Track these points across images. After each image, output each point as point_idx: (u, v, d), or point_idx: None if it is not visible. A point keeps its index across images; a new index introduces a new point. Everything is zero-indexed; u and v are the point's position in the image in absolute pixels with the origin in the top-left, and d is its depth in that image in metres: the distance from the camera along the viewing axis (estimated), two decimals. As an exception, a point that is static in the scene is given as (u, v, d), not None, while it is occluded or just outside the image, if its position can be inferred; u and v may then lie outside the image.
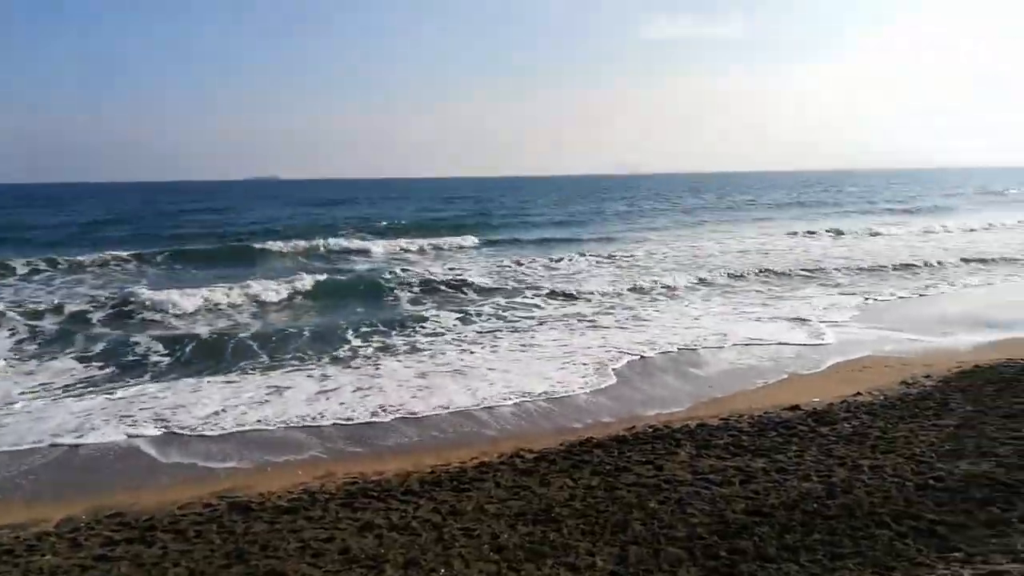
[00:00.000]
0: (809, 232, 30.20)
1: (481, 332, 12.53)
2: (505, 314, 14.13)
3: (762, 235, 30.06)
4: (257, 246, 25.56)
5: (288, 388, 9.32)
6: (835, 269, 19.11)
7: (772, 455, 6.38)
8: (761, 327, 12.44)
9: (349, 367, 10.35)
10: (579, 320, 13.40)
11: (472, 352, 11.11)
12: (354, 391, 9.17)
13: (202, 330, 13.07)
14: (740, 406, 8.17)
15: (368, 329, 12.72)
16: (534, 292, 16.37)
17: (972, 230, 30.82)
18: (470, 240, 28.03)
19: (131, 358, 11.09)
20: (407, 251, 25.97)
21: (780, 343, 11.26)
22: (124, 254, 22.88)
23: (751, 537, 4.78)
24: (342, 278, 18.38)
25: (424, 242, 27.23)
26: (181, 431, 7.83)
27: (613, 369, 9.93)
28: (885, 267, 19.37)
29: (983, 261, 20.21)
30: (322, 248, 25.90)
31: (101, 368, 10.55)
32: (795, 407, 7.90)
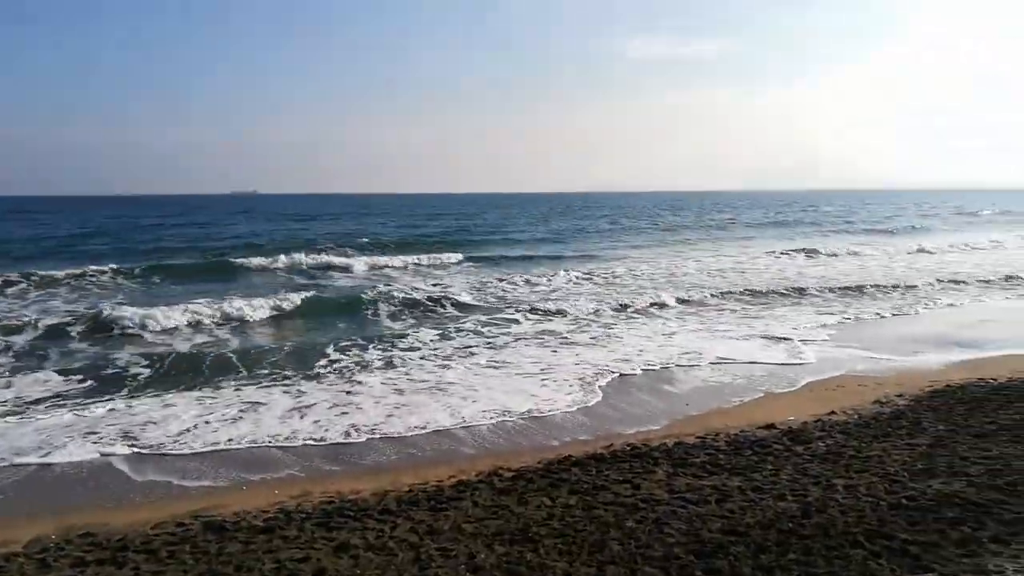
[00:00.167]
0: (786, 251, 30.53)
1: (461, 349, 12.52)
2: (486, 331, 14.14)
3: (740, 254, 30.37)
4: (237, 261, 25.41)
5: (264, 405, 9.23)
6: (811, 288, 19.33)
7: (748, 474, 6.43)
8: (737, 345, 12.55)
9: (328, 384, 10.29)
10: (558, 337, 13.43)
11: (452, 369, 11.10)
12: (330, 407, 9.12)
13: (179, 346, 12.95)
14: (716, 424, 8.23)
15: (348, 345, 12.69)
16: (515, 309, 16.40)
17: (946, 250, 31.36)
18: (451, 257, 28.07)
19: (105, 374, 10.93)
20: (389, 267, 25.91)
21: (756, 362, 11.36)
22: (101, 268, 22.59)
23: (727, 557, 4.80)
24: (323, 294, 18.31)
25: (406, 258, 27.19)
26: (153, 448, 7.73)
27: (593, 386, 9.96)
28: (860, 287, 19.61)
29: (955, 282, 20.51)
30: (303, 264, 25.79)
31: (74, 384, 10.38)
32: (771, 425, 7.97)
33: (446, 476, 6.79)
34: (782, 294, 18.64)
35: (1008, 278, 21.02)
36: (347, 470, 7.23)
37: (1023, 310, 16.54)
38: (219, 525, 5.72)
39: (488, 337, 13.57)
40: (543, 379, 10.42)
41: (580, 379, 10.35)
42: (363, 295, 17.92)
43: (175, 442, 7.92)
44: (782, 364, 11.20)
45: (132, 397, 9.73)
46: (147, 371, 11.12)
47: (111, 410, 9.06)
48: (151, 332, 14.01)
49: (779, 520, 5.33)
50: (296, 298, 16.94)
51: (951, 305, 17.06)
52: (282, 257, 26.28)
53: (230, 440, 7.99)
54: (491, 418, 8.69)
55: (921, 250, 31.40)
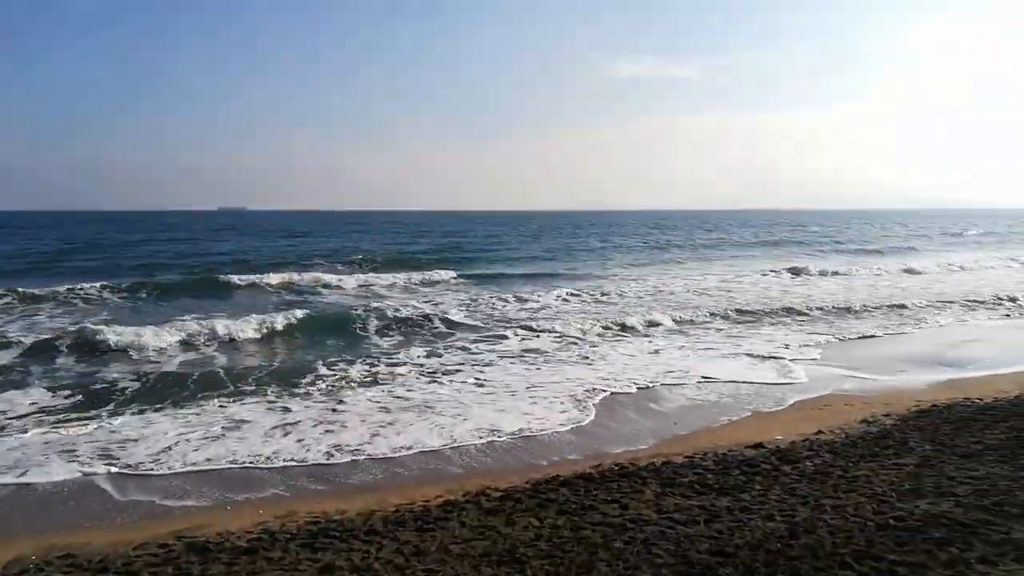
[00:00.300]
0: (773, 270, 30.71)
1: (451, 366, 12.48)
2: (475, 348, 14.10)
3: (728, 272, 30.50)
4: (225, 278, 25.21)
5: (250, 423, 9.15)
6: (798, 308, 19.40)
7: (736, 494, 6.41)
8: (725, 364, 12.57)
9: (314, 401, 10.22)
10: (548, 356, 13.41)
11: (441, 387, 11.06)
12: (315, 425, 9.06)
13: (164, 364, 12.86)
14: (705, 443, 8.22)
15: (335, 362, 12.63)
16: (505, 327, 16.38)
17: (933, 270, 31.59)
18: (441, 275, 27.99)
19: (88, 392, 10.79)
20: (379, 284, 25.77)
21: (744, 380, 11.38)
22: (87, 285, 22.36)
23: (715, 578, 4.78)
24: (312, 311, 18.14)
25: (396, 276, 27.06)
26: (135, 467, 7.63)
27: (583, 405, 9.94)
28: (848, 306, 19.70)
29: (942, 301, 20.65)
30: (293, 281, 25.58)
31: (55, 402, 10.26)
32: (759, 445, 7.97)
33: (433, 496, 6.73)
34: (769, 313, 18.70)
35: (994, 298, 21.17)
36: (333, 489, 7.16)
37: (1008, 330, 16.67)
38: (202, 546, 5.64)
39: (478, 355, 13.53)
40: (532, 398, 10.38)
41: (571, 397, 10.33)
42: (353, 312, 17.85)
43: (158, 461, 7.83)
44: (769, 383, 11.22)
45: (115, 415, 9.60)
46: (130, 389, 11.00)
47: (94, 428, 8.95)
48: (136, 349, 13.86)
49: (767, 541, 5.31)
50: (285, 315, 16.80)
51: (937, 325, 17.18)
52: (271, 274, 26.11)
53: (213, 459, 7.90)
54: (480, 437, 8.65)
55: (908, 270, 31.62)
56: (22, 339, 14.14)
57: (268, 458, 7.95)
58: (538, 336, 15.43)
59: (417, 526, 5.91)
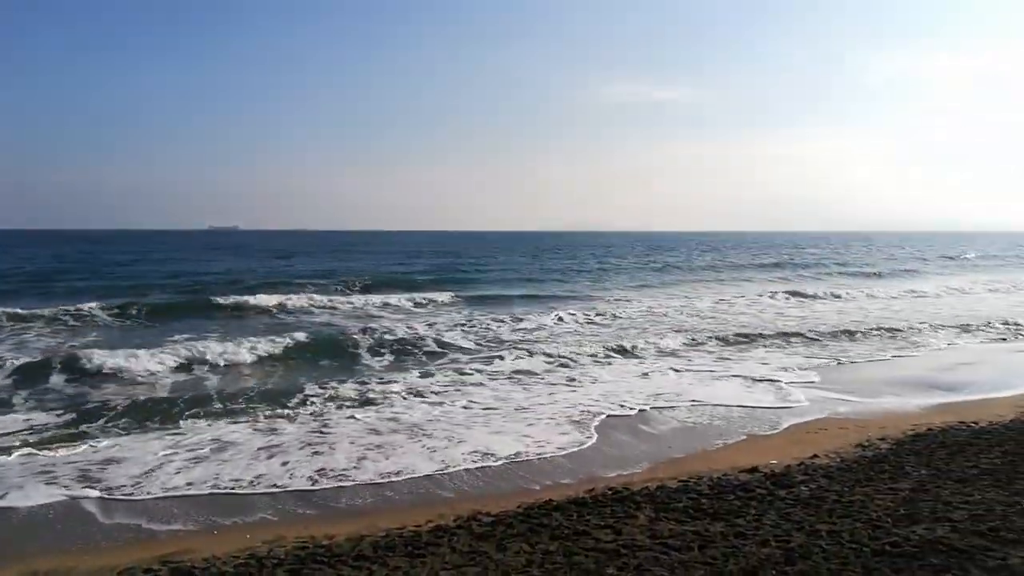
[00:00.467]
0: (770, 293, 30.74)
1: (444, 388, 12.40)
2: (469, 370, 14.02)
3: (724, 295, 30.48)
4: (216, 299, 25.02)
5: (239, 445, 9.05)
6: (794, 331, 19.41)
7: (731, 519, 6.33)
8: (720, 387, 12.53)
9: (305, 424, 10.11)
10: (542, 378, 13.36)
11: (435, 408, 10.99)
12: (302, 447, 8.97)
13: (155, 386, 12.74)
14: (699, 467, 8.14)
15: (327, 384, 12.52)
16: (500, 348, 16.34)
17: (931, 294, 31.64)
18: (434, 296, 27.91)
19: (75, 414, 10.62)
20: (373, 305, 25.63)
21: (738, 404, 11.33)
22: (77, 305, 22.16)
23: (709, 605, 4.69)
24: (305, 332, 17.96)
25: (390, 297, 26.98)
26: (120, 491, 7.52)
27: (579, 429, 9.86)
28: (844, 329, 19.71)
29: (938, 325, 20.66)
30: (285, 302, 25.42)
31: (41, 424, 10.12)
32: (754, 469, 7.90)
33: (424, 520, 6.63)
34: (764, 336, 18.66)
35: (989, 321, 21.19)
36: (321, 514, 7.06)
37: (1002, 353, 16.69)
38: (188, 571, 5.54)
39: (472, 377, 13.45)
40: (526, 420, 10.32)
41: (568, 419, 10.28)
42: (345, 333, 17.77)
43: (143, 484, 7.71)
44: (764, 406, 11.17)
45: (101, 437, 9.46)
46: (118, 411, 10.85)
47: (81, 450, 8.84)
48: (125, 371, 13.68)
49: (762, 567, 5.23)
50: (276, 336, 16.67)
51: (933, 348, 17.18)
52: (263, 295, 25.96)
53: (200, 482, 7.78)
54: (472, 461, 8.55)
55: (906, 293, 31.66)
56: (10, 360, 13.98)
57: (251, 482, 7.82)
58: (533, 357, 15.36)
59: (407, 551, 5.81)
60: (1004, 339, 18.75)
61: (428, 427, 9.93)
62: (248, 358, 15.16)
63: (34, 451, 8.80)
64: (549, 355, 15.61)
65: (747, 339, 18.24)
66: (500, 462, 8.53)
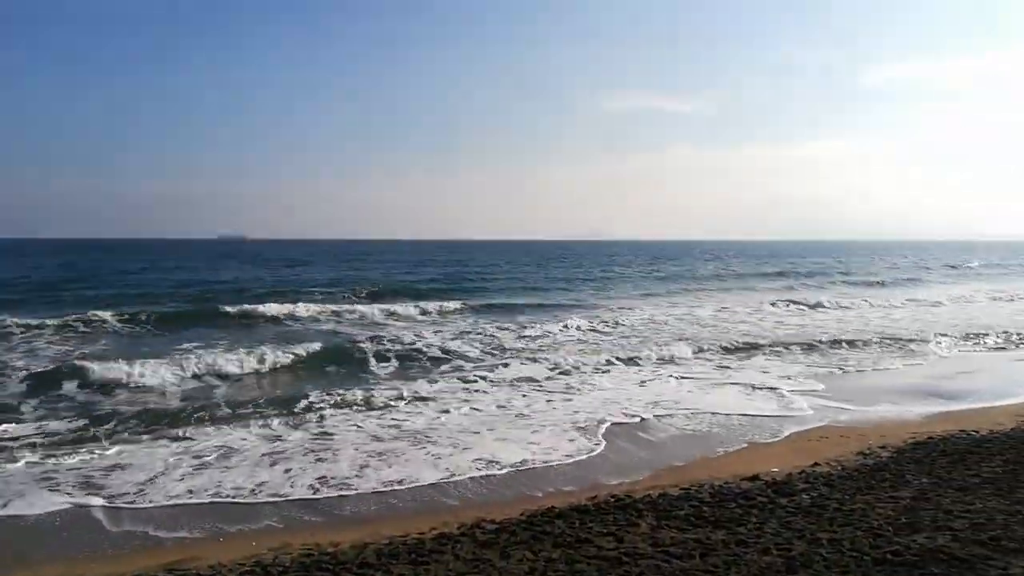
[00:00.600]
0: (772, 302, 30.66)
1: (450, 396, 12.46)
2: (474, 378, 14.08)
3: (727, 304, 30.42)
4: (226, 308, 25.14)
5: (244, 452, 9.13)
6: (796, 339, 19.40)
7: (732, 527, 6.37)
8: (722, 396, 12.56)
9: (311, 432, 10.19)
10: (546, 385, 13.41)
11: (440, 416, 11.08)
12: (305, 454, 9.07)
13: (163, 394, 12.82)
14: (701, 475, 8.18)
15: (334, 391, 12.56)
16: (505, 356, 16.41)
17: (934, 302, 31.53)
18: (441, 305, 27.95)
19: (83, 422, 10.66)
20: (380, 314, 25.71)
21: (740, 412, 11.35)
22: (87, 314, 22.26)
23: (709, 613, 4.74)
24: (312, 341, 18.06)
25: (397, 306, 27.04)
26: (127, 498, 7.60)
27: (583, 436, 9.91)
28: (845, 338, 19.69)
29: (940, 333, 20.60)
30: (295, 311, 25.50)
31: (49, 431, 10.20)
32: (755, 477, 7.93)
33: (427, 528, 6.69)
34: (766, 344, 18.66)
35: (991, 330, 21.15)
36: (326, 521, 7.12)
37: (1003, 361, 16.66)
38: (194, 578, 5.61)
39: (476, 384, 13.53)
40: (530, 427, 10.37)
41: (574, 426, 10.33)
42: (353, 341, 17.84)
43: (149, 491, 7.79)
44: (766, 415, 11.19)
45: (108, 445, 9.55)
46: (125, 419, 10.92)
47: (89, 458, 8.93)
48: (133, 380, 13.78)
49: (764, 575, 5.28)
50: (284, 345, 16.78)
51: (935, 356, 17.17)
52: (271, 303, 26.07)
53: (205, 490, 7.86)
54: (477, 469, 8.61)
55: (908, 302, 31.60)
56: (20, 368, 14.11)
57: (252, 491, 7.88)
58: (538, 365, 15.42)
59: (411, 559, 5.87)
60: (1004, 348, 18.71)
61: (433, 434, 10.00)
62: (255, 366, 15.25)
63: (42, 458, 8.89)
64: (556, 363, 15.65)
65: (749, 347, 18.24)
66: (505, 470, 8.59)
